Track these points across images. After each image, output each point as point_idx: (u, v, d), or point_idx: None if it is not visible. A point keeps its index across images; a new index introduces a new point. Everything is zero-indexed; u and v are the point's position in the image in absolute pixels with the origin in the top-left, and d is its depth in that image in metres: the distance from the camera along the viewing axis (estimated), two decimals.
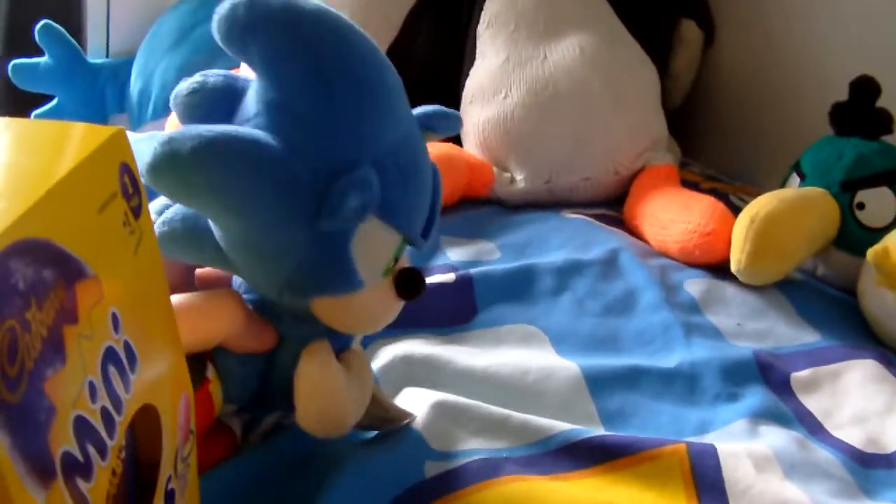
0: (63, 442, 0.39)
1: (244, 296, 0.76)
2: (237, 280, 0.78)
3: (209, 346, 0.72)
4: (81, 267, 0.43)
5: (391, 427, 0.84)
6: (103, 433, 0.44)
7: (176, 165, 0.59)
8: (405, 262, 0.76)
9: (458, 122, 0.77)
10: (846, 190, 1.21)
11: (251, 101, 0.67)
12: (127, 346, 0.47)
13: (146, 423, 0.52)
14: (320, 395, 0.71)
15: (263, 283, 0.71)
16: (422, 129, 0.74)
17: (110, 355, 0.45)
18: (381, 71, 0.69)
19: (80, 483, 0.41)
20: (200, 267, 0.78)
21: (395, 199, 0.69)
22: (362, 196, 0.64)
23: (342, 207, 0.63)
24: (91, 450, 0.42)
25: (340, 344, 0.76)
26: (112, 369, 0.45)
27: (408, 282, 0.74)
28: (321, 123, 0.65)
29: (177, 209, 0.70)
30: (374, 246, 0.70)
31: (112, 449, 0.44)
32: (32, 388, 0.37)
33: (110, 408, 0.45)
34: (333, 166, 0.65)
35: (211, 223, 0.68)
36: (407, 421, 0.85)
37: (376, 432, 0.85)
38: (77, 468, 0.41)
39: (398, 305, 0.76)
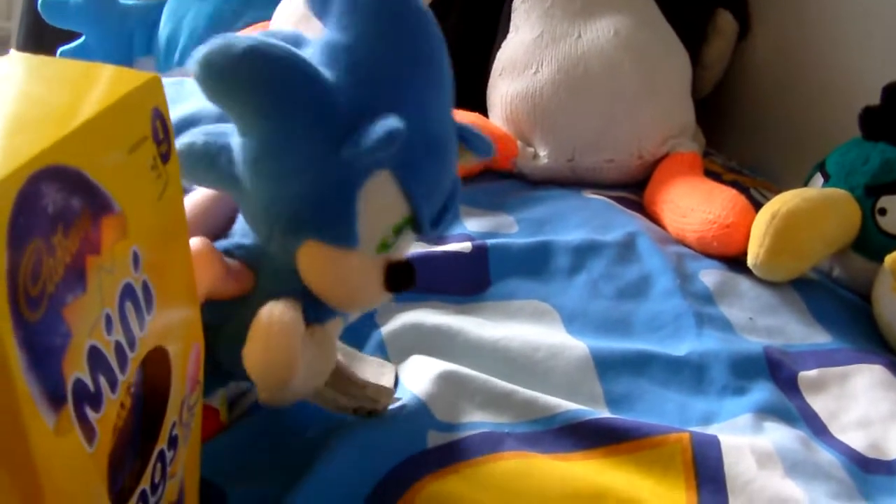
0: (76, 369, 0.40)
1: (231, 249, 0.75)
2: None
3: (201, 298, 0.70)
4: (109, 202, 0.43)
5: (373, 407, 0.83)
6: (115, 366, 0.44)
7: (228, 57, 0.63)
8: (401, 254, 0.75)
9: (488, 146, 0.77)
10: (869, 194, 1.20)
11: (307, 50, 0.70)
12: (145, 286, 0.48)
13: (157, 365, 0.52)
14: (271, 333, 0.67)
15: (262, 213, 0.70)
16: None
17: (128, 292, 0.45)
18: (444, 58, 0.72)
19: (89, 412, 0.41)
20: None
21: (414, 164, 0.69)
22: (388, 133, 0.64)
23: (366, 135, 0.64)
24: (102, 380, 0.42)
25: (314, 315, 0.74)
26: (129, 305, 0.45)
27: (399, 271, 0.73)
28: (374, 71, 0.68)
29: (199, 130, 0.71)
30: (381, 205, 0.69)
31: (122, 383, 0.45)
32: (52, 312, 0.37)
33: (124, 343, 0.45)
34: (370, 108, 0.66)
35: (236, 128, 0.68)
36: (389, 403, 0.85)
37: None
38: (87, 397, 0.41)
39: (381, 293, 0.74)
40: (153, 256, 0.49)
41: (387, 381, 0.89)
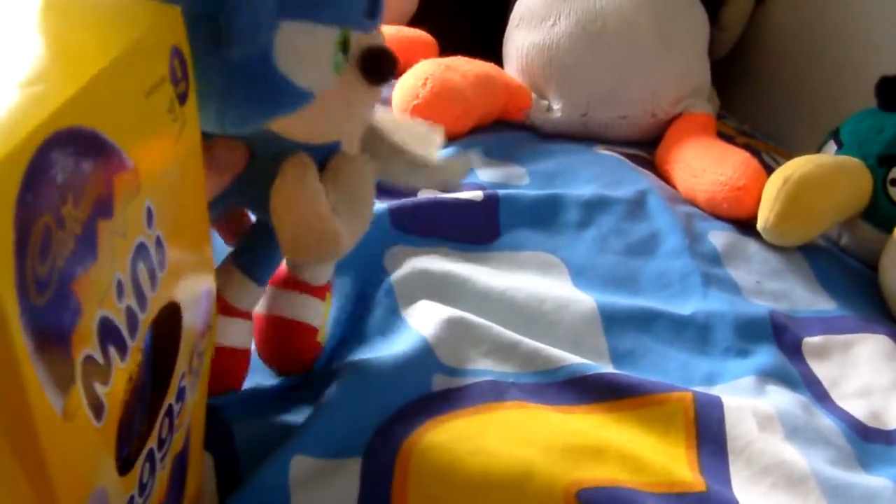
0: (85, 345, 0.38)
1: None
2: None
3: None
4: (122, 158, 0.41)
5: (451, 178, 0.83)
6: (125, 333, 0.43)
7: None
8: (367, 40, 0.68)
9: None
10: (882, 164, 1.20)
11: None
12: (158, 242, 0.46)
13: (166, 319, 0.51)
14: (296, 212, 0.64)
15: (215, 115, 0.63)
16: None
17: (140, 251, 0.44)
18: None
19: (98, 387, 0.40)
20: None
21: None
22: (252, 7, 0.58)
23: (234, 29, 0.57)
24: (112, 352, 0.41)
25: (325, 151, 0.70)
26: (141, 266, 0.44)
27: (372, 62, 0.67)
28: None
29: None
30: (306, 52, 0.63)
31: (132, 350, 0.44)
32: (61, 289, 0.36)
33: (135, 306, 0.44)
34: None
35: None
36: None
37: (379, 353, 0.84)
38: (96, 372, 0.40)
39: (371, 91, 0.69)
40: (167, 204, 0.47)
41: (437, 142, 0.86)
